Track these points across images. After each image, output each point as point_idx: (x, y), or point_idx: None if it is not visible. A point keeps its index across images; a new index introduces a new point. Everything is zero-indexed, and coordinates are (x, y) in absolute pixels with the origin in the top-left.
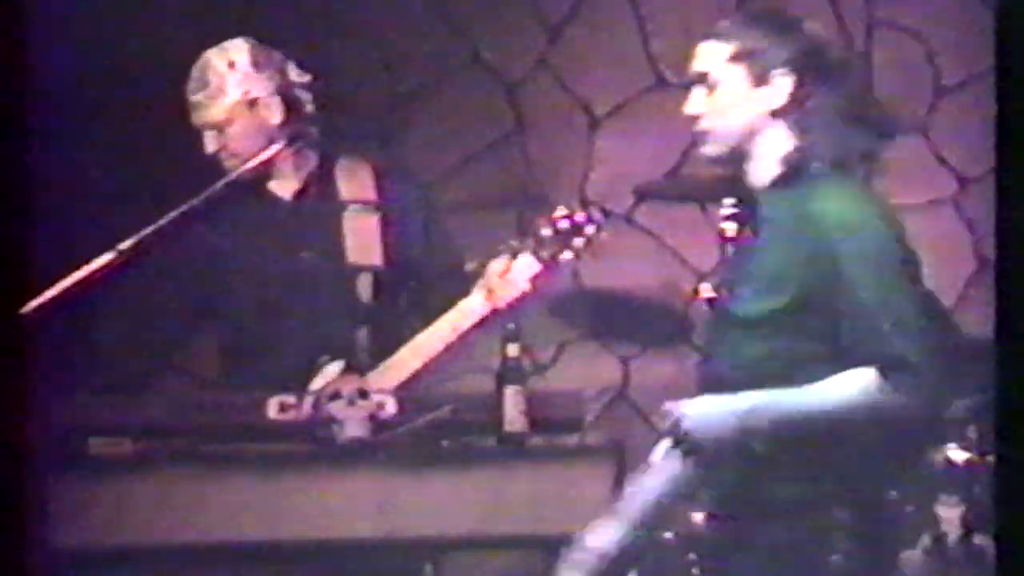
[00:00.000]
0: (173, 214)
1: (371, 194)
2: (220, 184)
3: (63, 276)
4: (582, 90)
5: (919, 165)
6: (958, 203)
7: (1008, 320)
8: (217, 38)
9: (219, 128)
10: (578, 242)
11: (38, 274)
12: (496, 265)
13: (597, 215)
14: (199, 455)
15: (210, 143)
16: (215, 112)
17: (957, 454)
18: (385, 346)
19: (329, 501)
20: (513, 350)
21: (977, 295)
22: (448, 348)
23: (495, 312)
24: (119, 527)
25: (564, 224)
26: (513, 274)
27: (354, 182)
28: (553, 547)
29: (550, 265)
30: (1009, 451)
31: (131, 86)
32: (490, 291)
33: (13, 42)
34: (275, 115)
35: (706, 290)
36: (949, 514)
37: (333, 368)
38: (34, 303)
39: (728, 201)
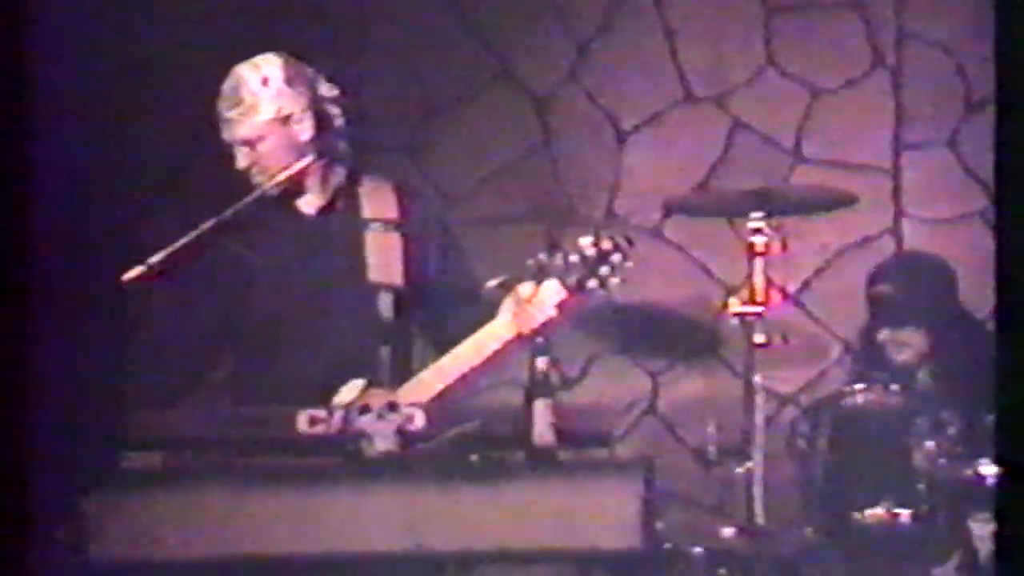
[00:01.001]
0: (203, 227)
1: (393, 213)
2: (250, 199)
3: (68, 290)
4: (611, 104)
5: (949, 179)
6: (988, 217)
7: (1009, 328)
8: (244, 53)
9: (251, 144)
10: (604, 270)
11: (39, 279)
12: (523, 290)
13: (624, 243)
14: (229, 469)
15: (242, 159)
16: (248, 130)
17: (988, 469)
18: (405, 365)
19: (358, 515)
20: (542, 364)
21: None
22: (472, 371)
23: (520, 337)
24: (150, 540)
25: (591, 252)
26: (539, 299)
27: (377, 201)
28: (582, 561)
29: (576, 292)
30: (1010, 460)
31: (138, 96)
32: (516, 316)
33: (14, 50)
34: (306, 131)
35: (734, 304)
36: (981, 530)
37: (354, 386)
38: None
39: (756, 215)
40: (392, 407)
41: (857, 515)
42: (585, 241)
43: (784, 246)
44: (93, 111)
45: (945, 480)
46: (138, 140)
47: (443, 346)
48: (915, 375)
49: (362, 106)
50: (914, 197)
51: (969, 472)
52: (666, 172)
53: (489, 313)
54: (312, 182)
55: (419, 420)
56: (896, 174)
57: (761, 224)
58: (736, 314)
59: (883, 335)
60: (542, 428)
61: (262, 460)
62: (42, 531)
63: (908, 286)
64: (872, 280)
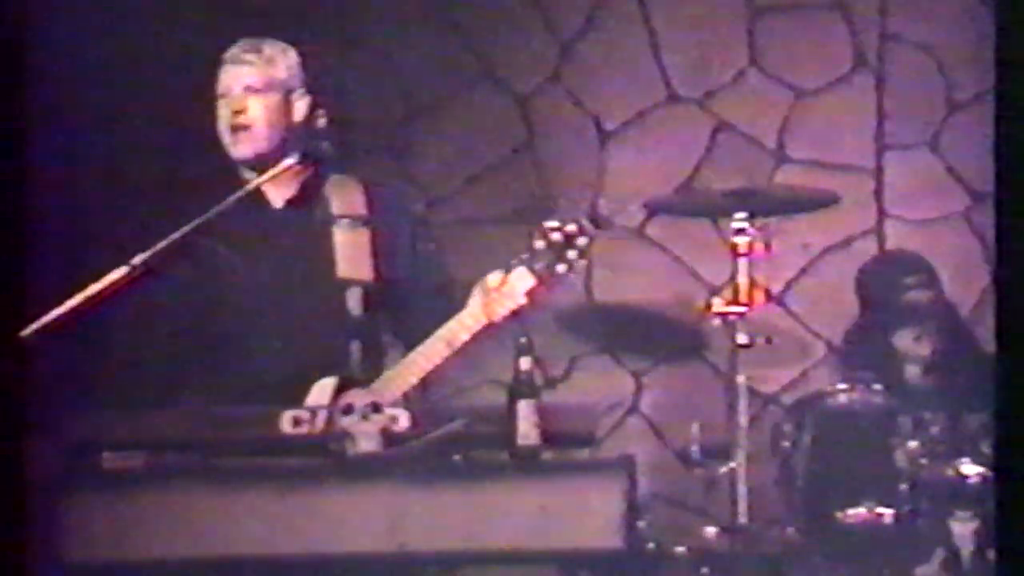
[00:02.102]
0: (186, 228)
1: (362, 209)
2: (233, 198)
3: (64, 289)
4: (593, 104)
5: (931, 180)
6: (970, 217)
7: (1010, 332)
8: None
9: (253, 92)
10: (571, 254)
11: (38, 289)
12: (492, 279)
13: (589, 226)
14: (212, 469)
15: (236, 102)
16: (258, 78)
17: (970, 468)
18: (376, 360)
19: (341, 515)
20: (526, 364)
21: (991, 309)
22: (444, 362)
23: (490, 326)
24: (132, 541)
25: (557, 236)
26: (509, 288)
27: (345, 197)
28: (565, 561)
29: (545, 278)
30: (1010, 463)
31: (137, 95)
32: (485, 305)
33: (13, 52)
34: (300, 112)
35: (718, 305)
36: (963, 529)
37: (326, 384)
38: (41, 320)
39: (739, 215)
40: (376, 408)
41: (840, 515)
42: (550, 225)
43: (767, 246)
44: (93, 110)
45: (927, 480)
46: (137, 139)
47: (413, 340)
48: (917, 376)
49: (345, 106)
50: (897, 197)
51: (951, 472)
52: (649, 172)
53: (461, 306)
54: (285, 174)
55: (403, 421)
56: (879, 174)
57: (744, 224)
58: (719, 314)
59: (901, 337)
60: (526, 428)
61: (245, 460)
62: (25, 532)
63: (930, 287)
64: (893, 283)
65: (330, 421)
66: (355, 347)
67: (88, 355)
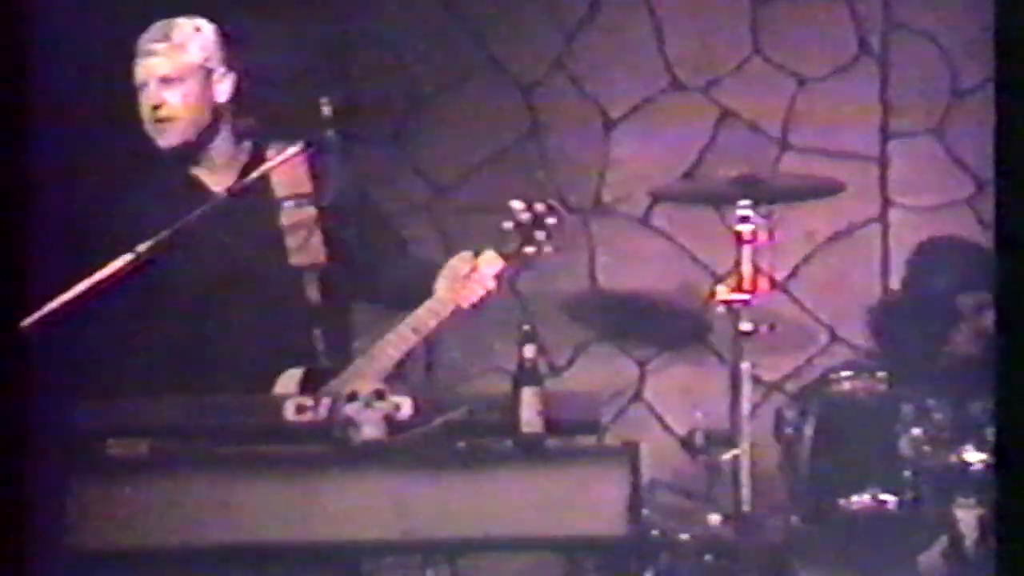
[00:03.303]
0: (186, 218)
1: (307, 187)
2: (238, 185)
3: (65, 280)
4: (598, 92)
5: (935, 167)
6: (974, 205)
7: (1009, 320)
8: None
9: (168, 83)
10: (540, 235)
11: (39, 279)
12: (459, 264)
13: (558, 206)
14: (216, 457)
15: (154, 96)
16: (170, 67)
17: (974, 456)
18: (342, 346)
19: (345, 503)
20: (530, 352)
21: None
22: (414, 349)
23: (459, 311)
24: (136, 528)
25: (525, 217)
26: (480, 272)
27: (288, 175)
28: (569, 548)
29: (513, 260)
30: (1010, 453)
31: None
32: (454, 291)
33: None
34: (224, 92)
35: (722, 292)
36: (966, 516)
37: (292, 375)
38: (44, 309)
39: (743, 203)
40: (379, 395)
41: (843, 502)
42: (518, 206)
43: (771, 234)
44: (93, 109)
45: (931, 467)
46: (137, 137)
47: (380, 321)
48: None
49: (348, 95)
50: (900, 185)
51: (955, 459)
52: (653, 160)
53: (423, 277)
54: (219, 158)
55: (406, 408)
56: (883, 162)
57: (748, 212)
58: (723, 302)
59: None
60: (530, 416)
61: (248, 448)
62: (29, 519)
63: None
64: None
65: (334, 408)
66: (317, 335)
67: (91, 343)
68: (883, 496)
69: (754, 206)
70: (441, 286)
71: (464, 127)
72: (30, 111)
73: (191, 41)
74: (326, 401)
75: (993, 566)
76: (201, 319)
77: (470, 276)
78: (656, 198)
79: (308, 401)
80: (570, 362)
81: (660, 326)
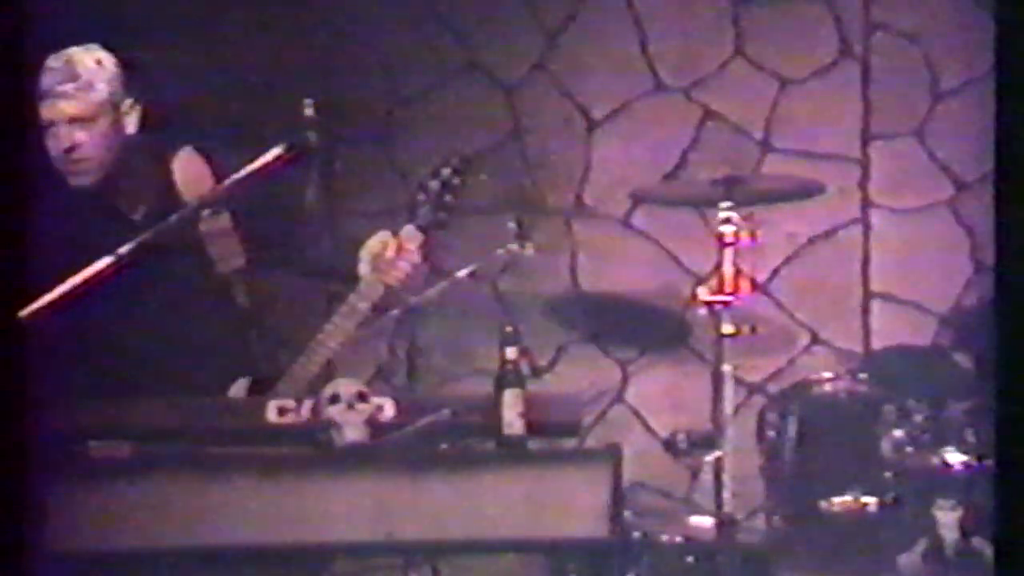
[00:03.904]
0: (168, 221)
1: (215, 192)
2: (228, 183)
3: (60, 279)
4: (580, 94)
5: (916, 169)
6: (955, 207)
7: (1007, 323)
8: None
9: (81, 123)
10: (449, 199)
11: (35, 277)
12: (378, 245)
13: (459, 164)
14: (198, 458)
15: (64, 140)
16: (81, 107)
17: (955, 457)
18: (275, 345)
19: (328, 504)
20: (511, 353)
21: (975, 299)
22: (351, 337)
23: (389, 290)
24: (118, 530)
25: (433, 184)
26: (404, 249)
27: (192, 181)
28: (551, 550)
29: (432, 231)
30: (1008, 454)
31: None
32: (380, 272)
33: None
34: (132, 124)
35: (703, 294)
36: (946, 517)
37: (240, 385)
38: (32, 307)
39: (725, 204)
40: (362, 397)
41: (825, 503)
42: (426, 178)
43: (753, 236)
44: None
45: (912, 468)
46: None
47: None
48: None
49: (330, 97)
50: (882, 187)
51: (936, 460)
52: (635, 162)
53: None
54: (129, 183)
55: (389, 410)
56: (864, 164)
57: (730, 213)
58: (705, 303)
59: None
60: (511, 418)
61: (231, 450)
62: (15, 522)
63: None
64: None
65: (316, 410)
66: (252, 338)
67: (72, 346)
68: (864, 498)
69: (736, 207)
70: (365, 270)
71: (446, 129)
72: (30, 111)
73: (97, 77)
74: (308, 403)
75: (973, 567)
76: (171, 325)
77: (396, 255)
78: (638, 199)
79: (290, 403)
80: (552, 364)
81: (642, 328)
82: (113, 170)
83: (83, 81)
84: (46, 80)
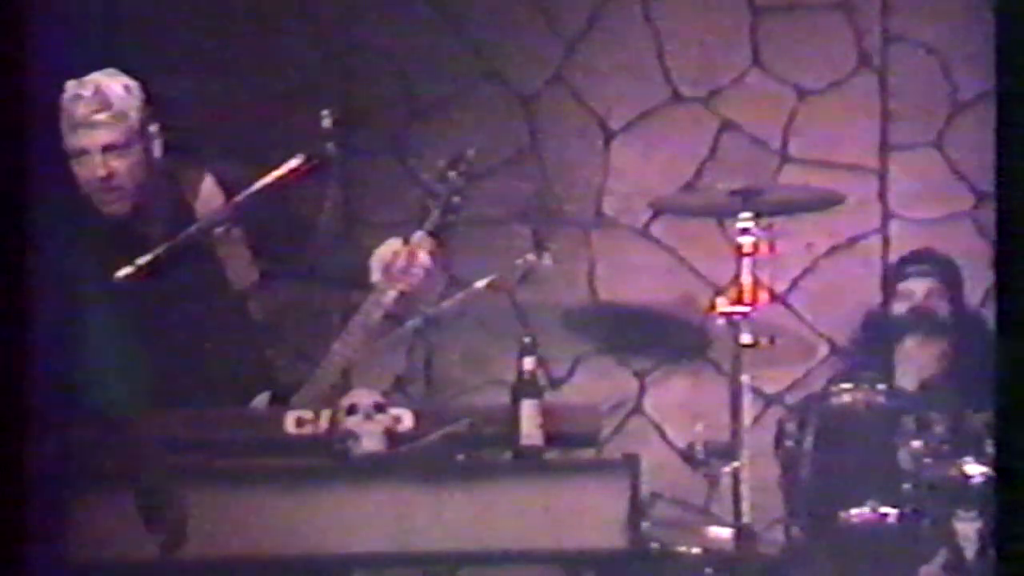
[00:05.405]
0: (187, 231)
1: (226, 209)
2: (244, 194)
3: (62, 285)
4: (598, 104)
5: (935, 180)
6: (975, 217)
7: (1010, 326)
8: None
9: (116, 151)
10: (455, 200)
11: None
12: (389, 252)
13: (462, 164)
14: (216, 469)
15: (99, 168)
16: (116, 135)
17: (974, 468)
18: (292, 358)
19: (345, 515)
20: (529, 364)
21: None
22: (366, 346)
23: (402, 296)
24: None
25: (440, 188)
26: (416, 256)
27: (202, 197)
28: (569, 561)
29: (443, 235)
30: (1012, 463)
31: None
32: (392, 279)
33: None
34: (159, 148)
35: (722, 304)
36: (966, 529)
37: (261, 401)
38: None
39: (744, 215)
40: (379, 407)
41: (843, 514)
42: (429, 177)
43: (772, 246)
44: None
45: (931, 479)
46: None
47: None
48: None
49: (348, 108)
50: (901, 197)
51: (955, 471)
52: (653, 172)
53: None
54: (149, 210)
55: (406, 421)
56: (883, 174)
57: (749, 224)
58: (723, 314)
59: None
60: (529, 428)
61: (249, 461)
62: (26, 533)
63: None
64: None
65: (334, 421)
66: (271, 353)
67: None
68: (883, 509)
69: (754, 218)
70: (377, 277)
71: (464, 139)
72: (30, 111)
73: (128, 105)
74: (326, 414)
75: None
76: (190, 339)
77: (408, 261)
78: (656, 210)
79: (308, 414)
80: (569, 374)
81: (660, 338)
82: (144, 197)
83: (116, 110)
84: (77, 110)
